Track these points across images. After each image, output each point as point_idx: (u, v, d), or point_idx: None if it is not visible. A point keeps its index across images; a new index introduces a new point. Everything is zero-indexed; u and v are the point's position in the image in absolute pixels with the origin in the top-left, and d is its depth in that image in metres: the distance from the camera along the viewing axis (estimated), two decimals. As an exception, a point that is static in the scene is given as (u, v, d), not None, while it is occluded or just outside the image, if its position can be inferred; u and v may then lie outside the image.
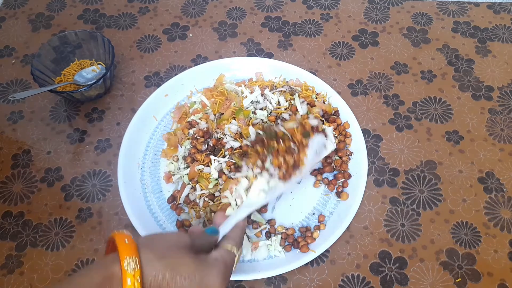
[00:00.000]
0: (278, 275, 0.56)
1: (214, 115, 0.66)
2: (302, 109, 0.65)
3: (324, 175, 0.63)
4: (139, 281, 0.37)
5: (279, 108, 0.65)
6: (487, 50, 0.79)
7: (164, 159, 0.66)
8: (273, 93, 0.67)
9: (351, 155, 0.65)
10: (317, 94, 0.70)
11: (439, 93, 0.73)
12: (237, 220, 0.50)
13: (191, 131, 0.66)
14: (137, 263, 0.37)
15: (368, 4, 0.86)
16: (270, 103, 0.66)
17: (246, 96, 0.67)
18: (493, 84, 0.74)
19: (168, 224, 0.60)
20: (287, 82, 0.71)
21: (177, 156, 0.65)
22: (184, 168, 0.63)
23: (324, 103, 0.68)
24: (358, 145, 0.65)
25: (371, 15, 0.84)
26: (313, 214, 0.61)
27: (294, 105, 0.65)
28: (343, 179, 0.63)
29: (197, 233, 0.47)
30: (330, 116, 0.67)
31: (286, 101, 0.66)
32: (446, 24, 0.83)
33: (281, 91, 0.67)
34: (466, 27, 0.82)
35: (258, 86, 0.69)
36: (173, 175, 0.63)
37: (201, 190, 0.60)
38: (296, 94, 0.66)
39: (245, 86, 0.69)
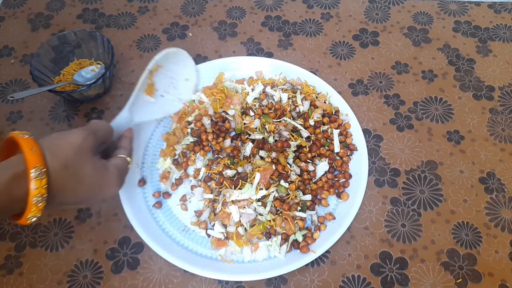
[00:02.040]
0: (278, 276, 0.56)
1: (215, 112, 0.67)
2: (304, 105, 0.65)
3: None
4: (45, 187, 0.40)
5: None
6: (488, 50, 0.78)
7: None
8: (274, 90, 0.67)
9: (351, 155, 0.65)
10: (317, 94, 0.69)
11: (440, 93, 0.73)
12: (123, 121, 0.58)
13: (189, 129, 0.66)
14: (44, 173, 0.40)
15: (368, 4, 0.86)
16: (273, 100, 0.66)
17: (248, 93, 0.67)
18: (494, 84, 0.74)
19: (168, 224, 0.60)
20: (287, 80, 0.71)
21: (175, 152, 0.65)
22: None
23: (325, 102, 0.68)
24: (358, 145, 0.65)
25: (372, 14, 0.84)
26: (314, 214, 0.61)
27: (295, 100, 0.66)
28: (344, 179, 0.62)
29: (98, 122, 0.51)
30: (331, 116, 0.67)
31: (289, 98, 0.66)
32: (447, 24, 0.82)
33: (283, 88, 0.67)
34: (467, 27, 0.82)
35: (261, 82, 0.69)
36: (169, 172, 0.64)
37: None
38: (298, 92, 0.66)
39: (247, 84, 0.70)
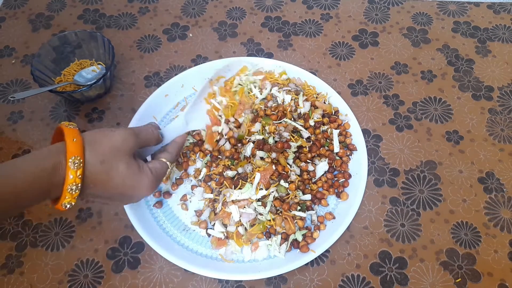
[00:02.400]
0: (278, 275, 0.56)
1: (228, 121, 0.65)
2: (305, 107, 0.65)
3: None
4: (79, 177, 0.42)
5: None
6: (487, 50, 0.79)
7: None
8: (278, 91, 0.67)
9: (351, 155, 0.65)
10: (317, 94, 0.70)
11: (439, 93, 0.73)
12: (177, 127, 0.57)
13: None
14: (81, 163, 0.42)
15: (368, 4, 0.86)
16: (277, 102, 0.66)
17: (257, 97, 0.67)
18: (493, 84, 0.74)
19: (169, 224, 0.60)
20: (290, 79, 0.71)
21: None
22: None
23: (325, 103, 0.68)
24: (358, 145, 0.65)
25: (371, 15, 0.84)
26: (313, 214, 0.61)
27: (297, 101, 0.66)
28: (343, 179, 0.63)
29: (146, 125, 0.53)
30: (330, 116, 0.67)
31: (292, 99, 0.66)
32: (446, 24, 0.83)
33: (287, 90, 0.67)
34: (466, 27, 0.82)
35: (269, 81, 0.69)
36: (169, 172, 0.64)
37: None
38: (301, 93, 0.67)
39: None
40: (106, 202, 0.61)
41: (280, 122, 0.64)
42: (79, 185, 0.42)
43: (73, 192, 0.42)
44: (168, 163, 0.52)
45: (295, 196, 0.59)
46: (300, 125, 0.64)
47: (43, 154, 0.43)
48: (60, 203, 0.43)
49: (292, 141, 0.62)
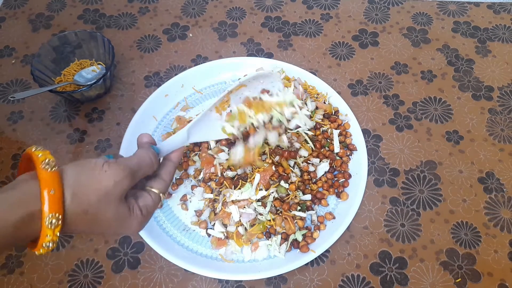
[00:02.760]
0: (278, 275, 0.56)
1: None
2: (311, 105, 0.66)
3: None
4: (57, 235, 0.36)
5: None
6: (487, 50, 0.79)
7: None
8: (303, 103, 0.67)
9: (351, 155, 0.65)
10: (317, 94, 0.70)
11: (439, 93, 0.73)
12: (177, 141, 0.48)
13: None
14: (59, 221, 0.36)
15: (368, 4, 0.86)
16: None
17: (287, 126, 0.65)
18: (493, 84, 0.74)
19: (169, 224, 0.60)
20: (290, 78, 0.71)
21: None
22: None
23: (325, 103, 0.68)
24: (358, 145, 0.65)
25: (371, 15, 0.84)
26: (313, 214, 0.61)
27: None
28: (343, 179, 0.63)
29: (144, 155, 0.43)
30: (330, 116, 0.67)
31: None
32: (446, 24, 0.83)
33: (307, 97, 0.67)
34: (466, 27, 0.82)
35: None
36: None
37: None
38: (308, 96, 0.67)
39: None
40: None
41: (296, 132, 0.62)
42: (56, 241, 0.36)
43: (49, 247, 0.36)
44: (161, 195, 0.44)
45: (295, 196, 0.59)
46: (312, 135, 0.64)
47: (13, 196, 0.35)
48: (37, 249, 0.37)
49: (302, 148, 0.62)
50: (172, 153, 0.47)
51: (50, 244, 0.36)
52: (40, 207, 0.35)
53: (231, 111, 0.54)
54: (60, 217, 0.36)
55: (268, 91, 0.56)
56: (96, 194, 0.38)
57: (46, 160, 0.36)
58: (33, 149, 0.37)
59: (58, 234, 0.36)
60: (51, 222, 0.35)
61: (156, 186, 0.44)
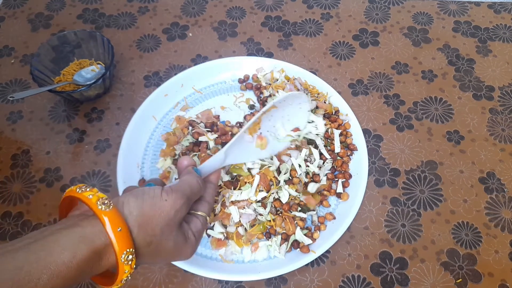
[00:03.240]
0: (278, 276, 0.56)
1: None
2: (311, 104, 0.65)
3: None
4: (133, 267, 0.36)
5: None
6: (487, 50, 0.79)
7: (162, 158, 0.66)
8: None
9: (351, 155, 0.65)
10: (318, 94, 0.70)
11: (439, 93, 0.73)
12: (214, 163, 0.49)
13: (190, 129, 0.66)
14: (133, 256, 0.36)
15: (368, 4, 0.86)
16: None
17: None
18: (494, 84, 0.74)
19: (168, 224, 0.60)
20: (290, 78, 0.71)
21: (175, 152, 0.65)
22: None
23: (325, 102, 0.68)
24: (358, 145, 0.65)
25: (372, 14, 0.84)
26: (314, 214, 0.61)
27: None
28: (344, 179, 0.62)
29: (193, 187, 0.43)
30: (331, 116, 0.67)
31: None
32: (446, 24, 0.82)
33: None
34: (466, 27, 0.82)
35: (273, 88, 0.68)
36: (169, 172, 0.64)
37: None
38: (309, 95, 0.67)
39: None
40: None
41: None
42: (132, 273, 0.37)
43: (128, 279, 0.37)
44: (207, 217, 0.45)
45: (295, 197, 0.59)
46: (327, 149, 0.64)
47: (74, 234, 0.34)
48: (115, 284, 0.37)
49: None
50: (211, 175, 0.48)
51: (128, 278, 0.37)
52: (104, 243, 0.35)
53: (261, 133, 0.57)
54: (133, 251, 0.36)
55: (298, 129, 0.61)
56: (160, 225, 0.38)
57: (100, 200, 0.36)
58: (78, 190, 0.36)
59: (134, 267, 0.36)
60: (127, 258, 0.35)
61: (202, 210, 0.44)
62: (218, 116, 0.70)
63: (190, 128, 0.67)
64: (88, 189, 0.36)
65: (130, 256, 0.35)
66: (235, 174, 0.60)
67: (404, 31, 0.81)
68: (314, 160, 0.62)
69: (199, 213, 0.44)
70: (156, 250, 0.38)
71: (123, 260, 0.35)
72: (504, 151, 0.67)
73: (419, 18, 0.83)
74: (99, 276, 0.38)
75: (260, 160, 0.59)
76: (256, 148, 0.57)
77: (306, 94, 0.66)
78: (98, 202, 0.35)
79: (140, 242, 0.37)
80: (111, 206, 0.35)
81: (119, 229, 0.35)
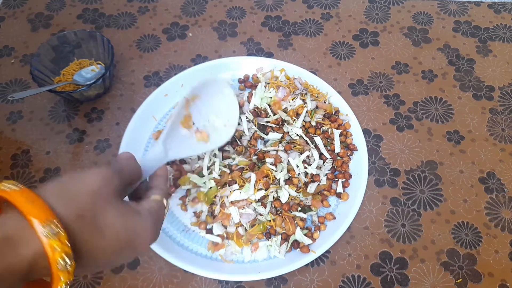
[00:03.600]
0: (278, 276, 0.56)
1: None
2: (311, 105, 0.66)
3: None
4: (67, 244, 0.29)
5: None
6: (488, 50, 0.78)
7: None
8: (292, 98, 0.66)
9: (351, 155, 0.65)
10: (318, 94, 0.69)
11: (440, 93, 0.73)
12: (155, 157, 0.48)
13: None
14: (58, 225, 0.28)
15: (368, 4, 0.86)
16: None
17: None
18: (494, 84, 0.74)
19: (168, 224, 0.60)
20: (290, 77, 0.71)
21: None
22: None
23: (325, 102, 0.68)
24: (358, 145, 0.65)
25: (372, 14, 0.84)
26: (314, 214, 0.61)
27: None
28: (344, 179, 0.62)
29: (124, 159, 0.40)
30: (331, 116, 0.67)
31: (302, 100, 0.66)
32: (447, 24, 0.82)
33: (300, 93, 0.67)
34: (467, 27, 0.82)
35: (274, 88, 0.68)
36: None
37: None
38: (308, 94, 0.67)
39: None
40: (112, 267, 0.54)
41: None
42: (70, 253, 0.29)
43: (68, 266, 0.29)
44: (164, 201, 0.41)
45: (295, 198, 0.59)
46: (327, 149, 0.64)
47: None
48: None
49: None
50: (158, 170, 0.45)
51: (65, 262, 0.29)
52: (15, 226, 0.28)
53: (197, 128, 0.58)
54: (55, 221, 0.29)
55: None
56: (85, 193, 0.32)
57: (8, 183, 0.30)
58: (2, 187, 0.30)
59: (66, 242, 0.29)
60: (48, 230, 0.28)
61: (154, 193, 0.41)
62: None
63: None
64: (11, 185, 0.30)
65: (49, 228, 0.28)
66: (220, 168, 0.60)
67: (404, 31, 0.81)
68: (314, 160, 0.62)
69: (151, 197, 0.40)
70: (95, 223, 0.32)
71: (42, 231, 0.28)
72: (504, 151, 0.67)
73: (419, 18, 0.83)
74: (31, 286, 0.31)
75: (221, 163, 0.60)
76: (199, 142, 0.57)
77: (305, 93, 0.66)
78: (4, 186, 0.30)
79: (67, 213, 0.30)
80: (20, 187, 0.30)
81: (32, 202, 0.29)
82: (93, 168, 0.35)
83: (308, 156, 0.62)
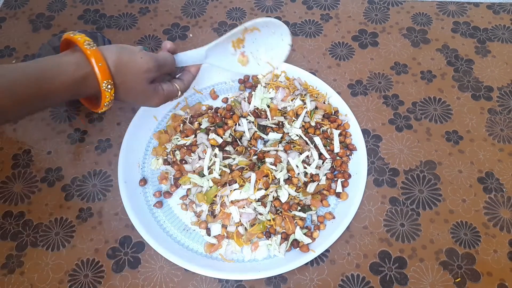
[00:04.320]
0: (278, 275, 0.56)
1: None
2: (311, 105, 0.66)
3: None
4: (113, 95, 0.50)
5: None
6: (486, 51, 0.79)
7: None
8: (292, 99, 0.67)
9: (351, 155, 0.65)
10: (317, 95, 0.70)
11: (438, 93, 0.73)
12: (194, 56, 0.59)
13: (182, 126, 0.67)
14: (112, 84, 0.49)
15: (367, 5, 0.86)
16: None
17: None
18: (492, 84, 0.74)
19: (169, 224, 0.61)
20: (290, 78, 0.71)
21: (166, 152, 0.65)
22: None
23: (324, 103, 0.68)
24: (357, 145, 0.65)
25: (371, 15, 0.84)
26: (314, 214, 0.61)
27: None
28: (343, 179, 0.63)
29: (166, 59, 0.56)
30: (330, 116, 0.67)
31: (301, 100, 0.67)
32: (445, 25, 0.83)
33: (300, 94, 0.67)
34: (465, 28, 0.82)
35: (273, 88, 0.69)
36: (167, 172, 0.64)
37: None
38: (308, 95, 0.67)
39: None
40: (132, 104, 0.71)
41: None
42: (112, 101, 0.51)
43: (109, 105, 0.51)
44: (179, 91, 0.57)
45: (294, 197, 0.59)
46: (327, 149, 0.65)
47: (72, 63, 0.47)
48: (100, 108, 0.52)
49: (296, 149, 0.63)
50: (191, 66, 0.60)
51: (109, 104, 0.50)
52: (90, 71, 0.47)
53: (244, 51, 0.63)
54: (112, 82, 0.49)
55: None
56: (132, 72, 0.50)
57: (86, 42, 0.48)
58: (71, 34, 0.49)
59: (113, 95, 0.50)
60: (107, 87, 0.48)
61: (177, 83, 0.57)
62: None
63: (182, 125, 0.67)
64: (78, 33, 0.49)
65: (110, 86, 0.48)
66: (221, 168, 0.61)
67: (403, 32, 0.82)
68: (313, 160, 0.62)
69: (175, 84, 0.57)
70: (128, 88, 0.51)
71: (104, 87, 0.48)
72: (503, 151, 0.67)
73: (418, 19, 0.84)
74: (87, 101, 0.54)
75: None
76: (238, 63, 0.63)
77: (305, 94, 0.67)
78: (85, 43, 0.48)
79: (116, 79, 0.49)
80: (94, 47, 0.48)
81: (100, 64, 0.47)
82: (145, 55, 0.51)
83: (307, 156, 0.62)
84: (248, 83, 0.73)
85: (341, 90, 0.73)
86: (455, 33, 0.81)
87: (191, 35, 0.82)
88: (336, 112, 0.69)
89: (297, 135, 0.64)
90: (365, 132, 0.68)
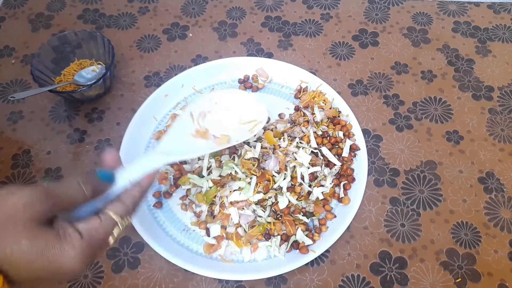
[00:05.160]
0: (278, 275, 0.56)
1: None
2: (319, 115, 0.66)
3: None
4: None
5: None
6: (487, 50, 0.79)
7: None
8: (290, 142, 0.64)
9: (355, 157, 0.64)
10: (324, 101, 0.69)
11: (439, 93, 0.73)
12: (145, 169, 0.40)
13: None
14: None
15: (368, 4, 0.86)
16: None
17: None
18: (493, 84, 0.74)
19: (169, 224, 0.60)
20: (314, 91, 0.70)
21: None
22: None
23: (330, 108, 0.68)
24: (358, 145, 0.65)
25: (371, 15, 0.84)
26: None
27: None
28: (346, 182, 0.62)
29: (64, 182, 0.36)
30: (334, 119, 0.67)
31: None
32: (446, 24, 0.83)
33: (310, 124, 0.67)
34: (466, 27, 0.82)
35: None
36: (167, 173, 0.64)
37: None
38: (316, 106, 0.67)
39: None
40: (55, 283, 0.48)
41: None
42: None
43: None
44: (117, 218, 0.36)
45: (295, 205, 0.59)
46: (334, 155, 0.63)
47: None
48: None
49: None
50: (144, 178, 0.40)
51: None
52: None
53: (214, 136, 0.55)
54: None
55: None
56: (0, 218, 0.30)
57: None
58: None
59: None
60: None
61: (111, 208, 0.36)
62: None
63: None
64: None
65: None
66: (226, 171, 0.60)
67: (404, 32, 0.81)
68: (321, 175, 0.61)
69: (106, 211, 0.36)
70: (7, 255, 0.30)
71: None
72: (503, 151, 0.67)
73: (419, 19, 0.83)
74: None
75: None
76: (221, 143, 0.55)
77: (313, 122, 0.65)
78: None
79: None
80: None
81: None
82: (23, 188, 0.32)
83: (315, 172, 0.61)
84: (248, 83, 0.73)
85: (342, 90, 0.73)
86: (456, 33, 0.81)
87: (190, 35, 0.82)
88: (339, 113, 0.68)
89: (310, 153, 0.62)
90: (365, 132, 0.68)
